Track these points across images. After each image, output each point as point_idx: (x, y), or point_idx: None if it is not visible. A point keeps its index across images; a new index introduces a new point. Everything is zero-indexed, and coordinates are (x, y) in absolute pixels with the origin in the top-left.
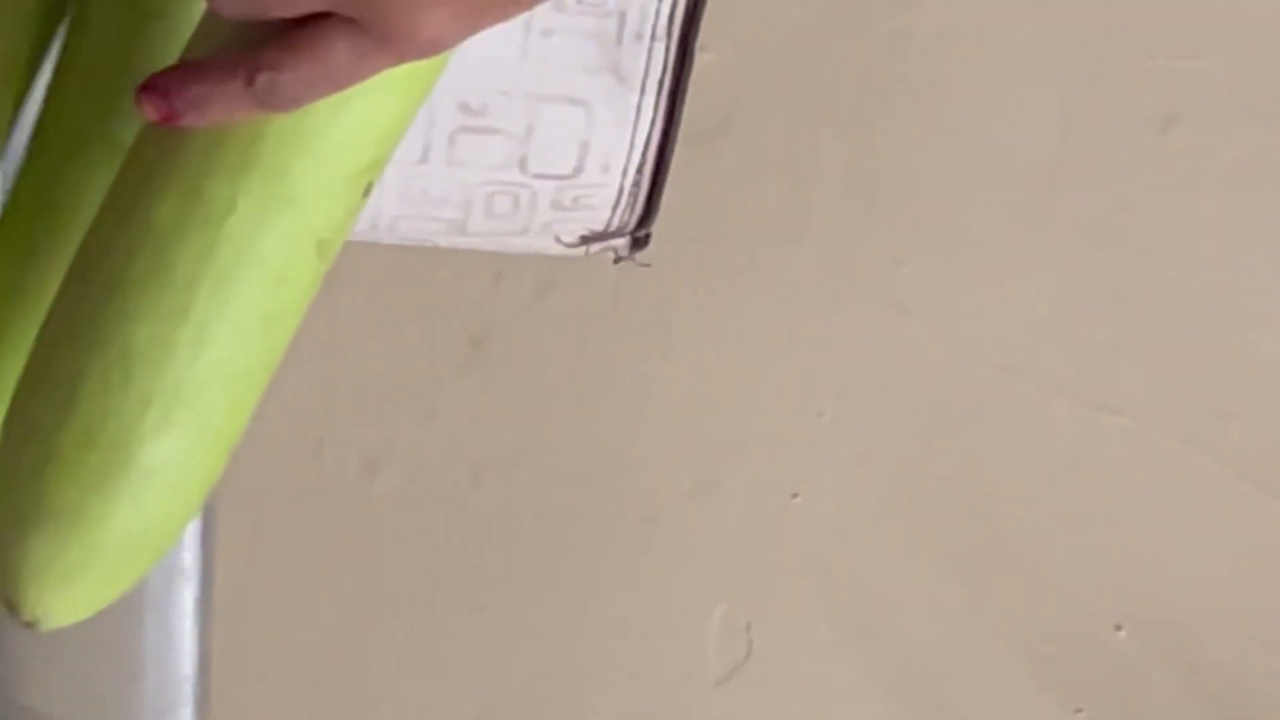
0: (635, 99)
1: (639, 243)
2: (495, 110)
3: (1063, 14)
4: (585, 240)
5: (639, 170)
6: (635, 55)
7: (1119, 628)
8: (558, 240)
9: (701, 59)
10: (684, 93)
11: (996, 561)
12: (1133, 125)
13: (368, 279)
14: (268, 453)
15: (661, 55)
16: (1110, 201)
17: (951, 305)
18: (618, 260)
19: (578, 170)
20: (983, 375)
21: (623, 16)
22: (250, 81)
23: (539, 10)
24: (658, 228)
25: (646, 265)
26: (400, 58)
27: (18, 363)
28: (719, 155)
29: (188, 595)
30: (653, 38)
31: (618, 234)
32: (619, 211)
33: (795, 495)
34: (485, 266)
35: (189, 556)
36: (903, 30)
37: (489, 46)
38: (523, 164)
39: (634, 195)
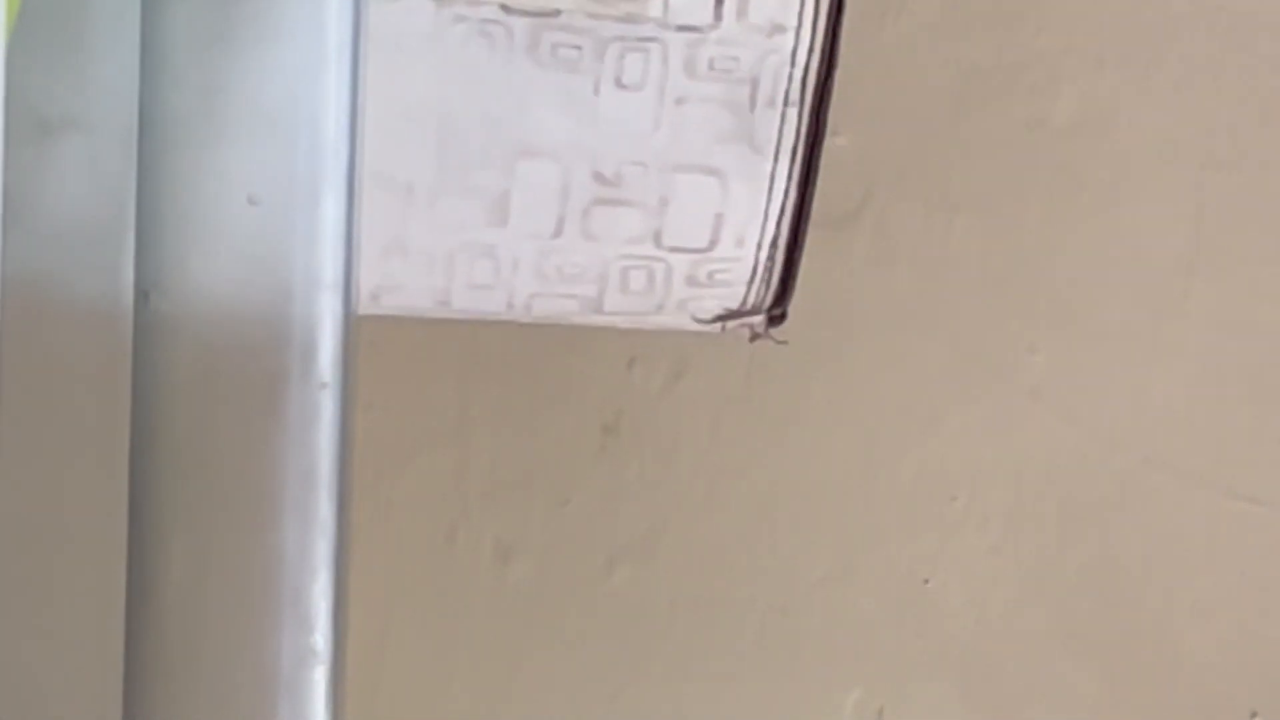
0: (769, 168)
1: (774, 320)
2: (629, 181)
3: (1198, 100)
4: (721, 319)
5: (773, 244)
6: (768, 122)
7: (1254, 715)
8: (694, 319)
9: (834, 143)
10: (817, 161)
11: (1131, 649)
12: (1269, 211)
13: (499, 365)
14: (399, 538)
15: (794, 121)
16: (1247, 288)
17: (1085, 393)
18: (754, 338)
19: (712, 244)
20: (1117, 463)
21: (755, 83)
22: None
23: (671, 76)
24: (791, 313)
25: (784, 343)
26: None
27: None
28: (852, 241)
29: (319, 677)
30: (785, 103)
31: (753, 312)
32: (754, 287)
33: (927, 581)
34: (617, 353)
35: (320, 639)
36: (1037, 117)
37: (623, 115)
38: (657, 237)
39: (768, 270)
